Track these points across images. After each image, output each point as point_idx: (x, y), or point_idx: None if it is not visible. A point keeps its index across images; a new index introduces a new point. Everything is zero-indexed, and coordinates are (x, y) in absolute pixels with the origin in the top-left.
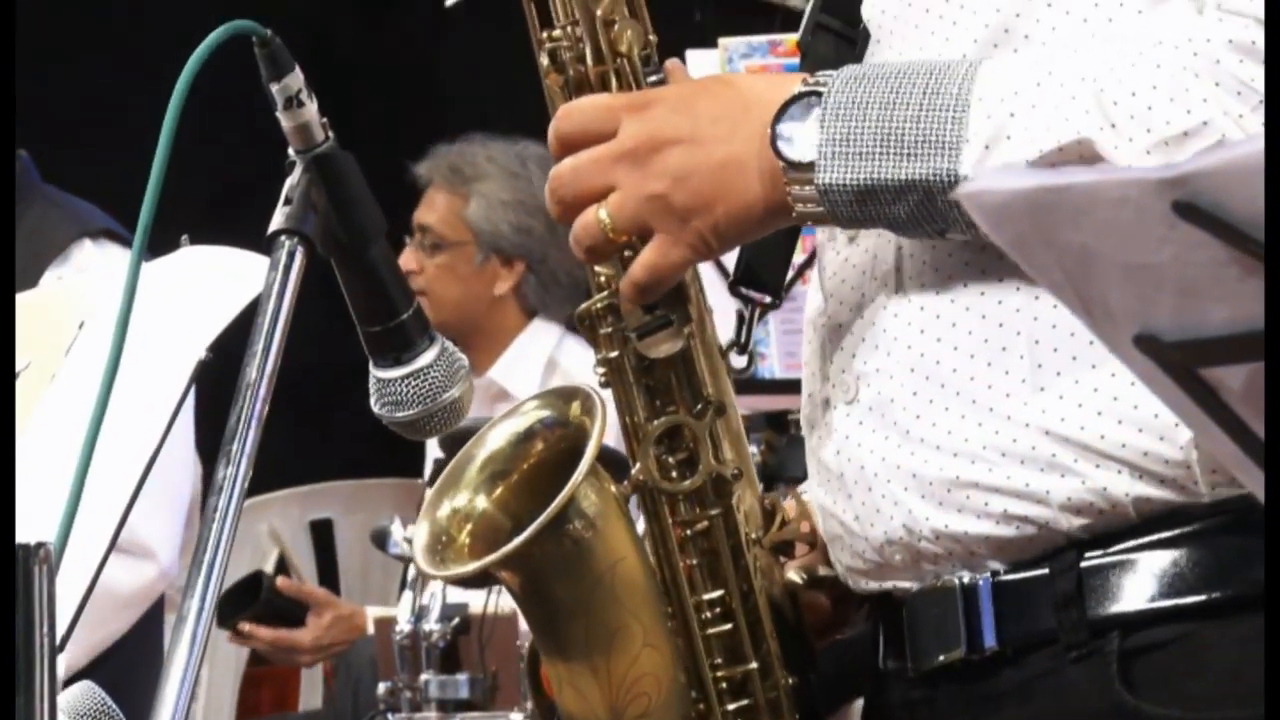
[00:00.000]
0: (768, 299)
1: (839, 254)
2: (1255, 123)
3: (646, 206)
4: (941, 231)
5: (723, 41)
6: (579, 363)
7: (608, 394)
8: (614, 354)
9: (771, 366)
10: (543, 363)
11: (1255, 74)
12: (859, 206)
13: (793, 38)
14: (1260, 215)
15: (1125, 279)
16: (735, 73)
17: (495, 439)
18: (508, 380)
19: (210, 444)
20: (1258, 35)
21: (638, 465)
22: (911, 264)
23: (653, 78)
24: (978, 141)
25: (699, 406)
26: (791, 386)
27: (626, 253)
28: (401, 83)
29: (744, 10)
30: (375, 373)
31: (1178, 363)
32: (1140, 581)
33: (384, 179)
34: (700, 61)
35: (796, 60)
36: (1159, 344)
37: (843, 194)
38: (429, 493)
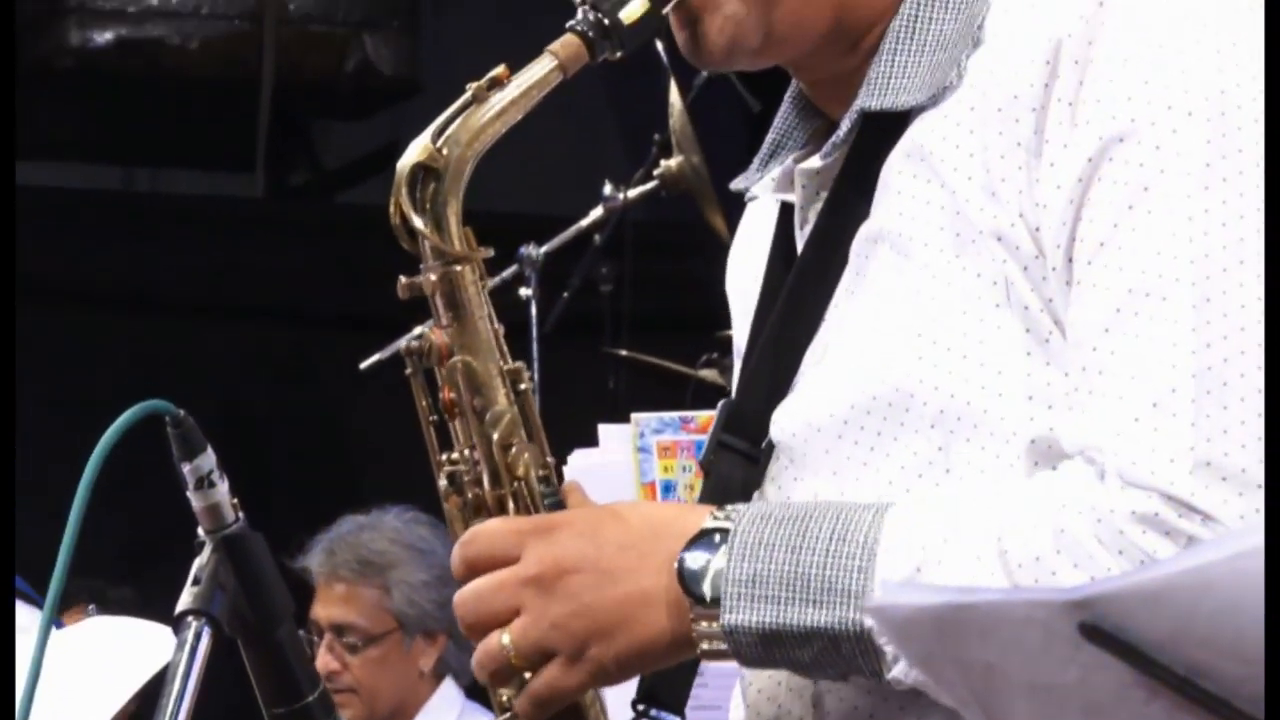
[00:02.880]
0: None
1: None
2: None
3: (550, 633)
4: (844, 675)
5: (635, 416)
6: None
7: None
8: None
9: None
10: None
11: (1159, 545)
12: (764, 649)
13: (705, 414)
14: (1164, 638)
15: (1030, 697)
16: (639, 501)
17: None
18: None
19: None
20: (1161, 508)
21: None
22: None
23: (549, 500)
24: None
25: None
26: None
27: (527, 674)
28: (314, 449)
29: (657, 381)
30: None
31: None
32: None
33: (292, 554)
34: (612, 435)
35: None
36: None
37: (747, 636)
38: None
